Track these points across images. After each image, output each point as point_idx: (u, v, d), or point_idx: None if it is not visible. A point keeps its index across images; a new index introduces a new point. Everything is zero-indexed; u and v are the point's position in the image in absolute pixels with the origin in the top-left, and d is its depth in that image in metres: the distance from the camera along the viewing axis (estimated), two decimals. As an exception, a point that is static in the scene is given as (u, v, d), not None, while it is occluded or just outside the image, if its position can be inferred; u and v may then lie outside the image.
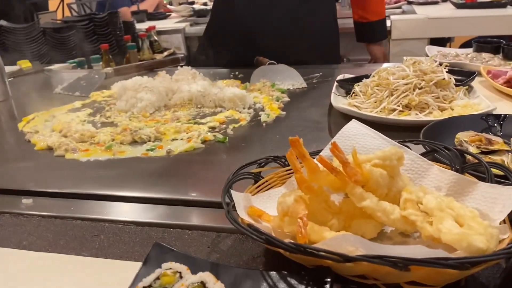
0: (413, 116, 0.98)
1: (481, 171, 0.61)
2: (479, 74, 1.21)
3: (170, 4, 4.17)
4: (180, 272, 0.49)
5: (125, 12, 3.26)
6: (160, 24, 3.13)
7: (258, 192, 0.65)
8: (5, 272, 0.58)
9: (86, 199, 0.77)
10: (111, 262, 0.59)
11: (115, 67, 1.64)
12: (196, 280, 0.47)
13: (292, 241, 0.50)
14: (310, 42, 1.63)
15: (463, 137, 0.80)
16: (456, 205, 0.53)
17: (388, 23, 2.37)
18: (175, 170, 0.86)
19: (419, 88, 1.01)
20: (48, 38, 2.35)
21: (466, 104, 0.99)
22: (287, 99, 1.23)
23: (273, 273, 0.51)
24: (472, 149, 0.76)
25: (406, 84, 1.02)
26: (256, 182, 0.66)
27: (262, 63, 1.51)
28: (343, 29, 1.78)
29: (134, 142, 0.98)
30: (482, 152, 0.76)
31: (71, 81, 1.54)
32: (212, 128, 1.04)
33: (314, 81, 1.40)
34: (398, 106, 0.99)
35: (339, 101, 1.09)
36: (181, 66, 1.46)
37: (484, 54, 1.45)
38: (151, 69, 1.65)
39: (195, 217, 0.70)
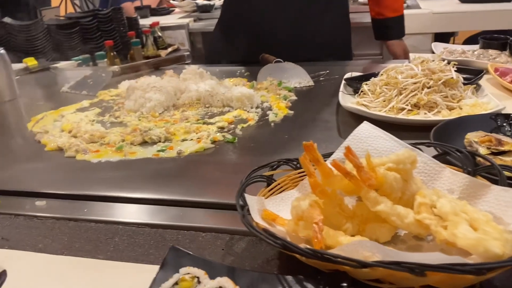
0: (422, 116, 0.98)
1: (493, 174, 0.61)
2: (487, 71, 1.21)
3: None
4: (198, 277, 0.49)
5: (129, 7, 3.25)
6: (164, 20, 3.13)
7: (271, 195, 0.65)
8: (22, 275, 0.59)
9: (99, 201, 0.78)
10: (127, 265, 0.60)
11: (121, 65, 1.65)
12: (215, 286, 0.48)
13: (307, 245, 0.51)
14: (323, 39, 1.63)
15: (473, 137, 0.80)
16: (470, 208, 0.53)
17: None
18: (187, 171, 0.87)
19: (428, 87, 1.01)
20: (53, 35, 2.35)
21: (474, 103, 0.99)
22: (294, 97, 1.23)
23: (289, 277, 0.51)
24: (482, 150, 0.77)
25: (415, 83, 1.02)
26: (268, 185, 0.66)
27: (268, 61, 1.51)
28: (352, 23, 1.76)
29: (144, 143, 0.99)
30: (492, 153, 0.76)
31: (77, 79, 1.54)
32: (221, 128, 1.04)
33: (321, 78, 1.40)
34: (407, 105, 1.00)
35: (347, 100, 1.09)
36: (187, 64, 1.47)
37: (491, 51, 1.44)
38: (157, 67, 1.65)
39: (208, 219, 0.70)
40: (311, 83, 1.36)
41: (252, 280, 0.52)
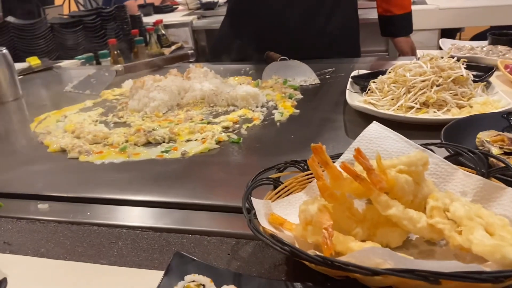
0: (431, 114, 0.96)
1: (507, 175, 0.59)
2: (497, 68, 1.18)
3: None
4: (203, 285, 0.48)
5: (132, 5, 3.24)
6: (167, 18, 3.12)
7: (277, 198, 0.64)
8: (24, 281, 0.58)
9: (102, 203, 0.77)
10: (130, 271, 0.59)
11: (125, 64, 1.63)
12: (221, 294, 0.46)
13: (316, 251, 0.49)
14: (332, 35, 1.61)
15: (485, 137, 0.78)
16: (484, 212, 0.52)
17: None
18: (191, 172, 0.85)
19: (437, 85, 0.99)
20: (56, 34, 2.34)
21: (485, 101, 0.96)
22: (300, 96, 1.22)
23: (297, 284, 0.50)
24: (495, 150, 0.74)
25: (424, 81, 0.99)
26: (275, 187, 0.65)
27: (273, 59, 1.49)
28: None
29: (148, 143, 0.97)
30: (505, 153, 0.74)
31: (81, 79, 1.53)
32: (226, 128, 1.02)
33: (327, 76, 1.38)
34: (416, 103, 0.98)
35: (354, 98, 1.07)
36: (191, 62, 1.45)
37: (500, 47, 1.41)
38: (161, 65, 1.64)
39: (214, 223, 0.69)
40: (317, 81, 1.34)
41: (259, 287, 0.50)
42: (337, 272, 0.48)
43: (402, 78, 1.03)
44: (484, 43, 1.51)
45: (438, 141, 0.70)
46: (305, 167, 0.67)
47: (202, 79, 1.27)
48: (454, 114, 0.94)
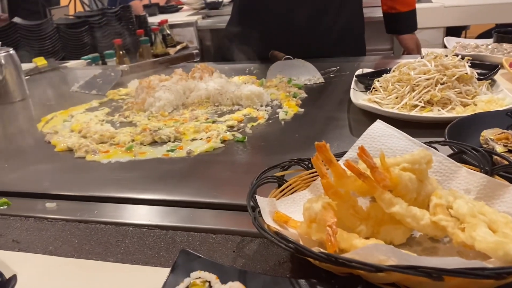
0: (435, 113, 0.96)
1: (511, 173, 0.59)
2: (502, 66, 1.18)
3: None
4: (209, 282, 0.49)
5: (137, 5, 3.25)
6: (172, 17, 3.13)
7: (282, 196, 0.64)
8: (33, 278, 0.59)
9: (109, 202, 0.78)
10: (137, 268, 0.60)
11: (130, 64, 1.64)
12: (227, 291, 0.47)
13: (320, 248, 0.50)
14: (338, 34, 1.61)
15: (489, 135, 0.79)
16: (488, 210, 0.52)
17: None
18: (196, 171, 0.86)
19: (441, 84, 0.99)
20: (62, 35, 2.36)
21: (489, 99, 0.96)
22: (304, 95, 1.22)
23: (302, 281, 0.50)
24: (499, 148, 0.75)
25: (428, 79, 1.00)
26: (280, 185, 0.65)
27: (277, 58, 1.49)
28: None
29: (154, 143, 0.98)
30: (509, 151, 0.74)
31: (87, 79, 1.54)
32: (231, 127, 1.03)
33: (331, 75, 1.38)
34: (420, 102, 0.98)
35: (358, 97, 1.07)
36: (196, 61, 1.46)
37: (505, 45, 1.41)
38: (166, 65, 1.65)
39: (219, 221, 0.70)
40: (322, 80, 1.34)
41: (264, 284, 0.51)
42: (341, 269, 0.48)
43: (406, 77, 1.03)
44: (489, 41, 1.51)
45: (442, 139, 0.70)
46: (310, 165, 0.68)
47: (207, 78, 1.28)
48: (459, 112, 0.95)
